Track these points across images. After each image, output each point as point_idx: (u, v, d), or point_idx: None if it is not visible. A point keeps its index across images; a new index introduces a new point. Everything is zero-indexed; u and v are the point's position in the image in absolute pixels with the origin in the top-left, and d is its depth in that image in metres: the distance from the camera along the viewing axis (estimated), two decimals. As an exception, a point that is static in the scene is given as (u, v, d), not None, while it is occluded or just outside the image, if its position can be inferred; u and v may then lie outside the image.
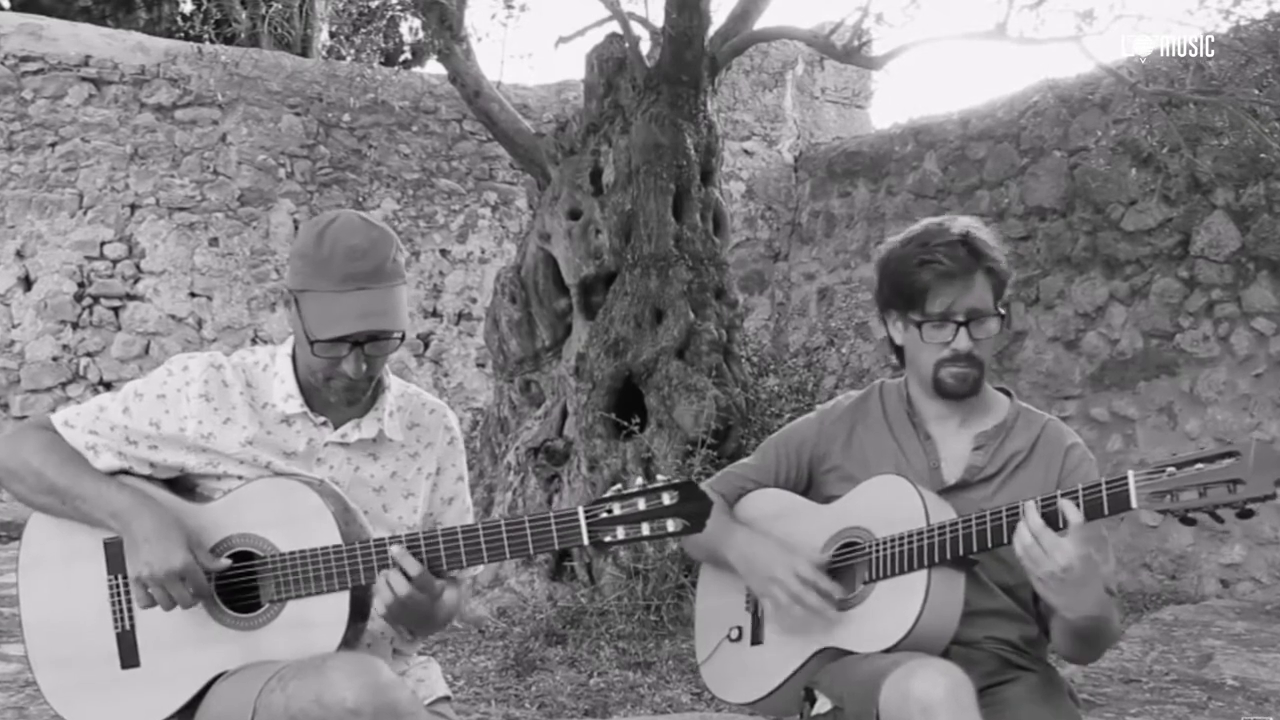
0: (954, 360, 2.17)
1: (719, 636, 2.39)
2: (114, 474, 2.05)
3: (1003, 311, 2.20)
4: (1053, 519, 1.95)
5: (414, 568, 1.93)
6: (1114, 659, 4.78)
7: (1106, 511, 1.92)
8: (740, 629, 2.36)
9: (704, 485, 2.40)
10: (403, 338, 2.04)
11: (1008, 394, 2.34)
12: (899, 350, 2.32)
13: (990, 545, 2.04)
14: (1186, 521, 1.88)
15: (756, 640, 2.33)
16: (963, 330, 2.15)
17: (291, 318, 2.06)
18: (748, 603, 2.35)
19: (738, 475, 2.45)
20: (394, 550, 1.94)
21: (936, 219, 2.24)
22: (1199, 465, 1.84)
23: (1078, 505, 1.92)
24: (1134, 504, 1.89)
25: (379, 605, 1.96)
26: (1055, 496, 1.96)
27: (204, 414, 2.05)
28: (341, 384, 2.04)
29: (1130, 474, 1.89)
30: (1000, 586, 2.18)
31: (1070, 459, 2.22)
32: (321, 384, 2.06)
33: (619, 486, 1.94)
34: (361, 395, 2.09)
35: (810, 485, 2.39)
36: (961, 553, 2.06)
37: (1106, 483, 1.92)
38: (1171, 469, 1.86)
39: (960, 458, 2.25)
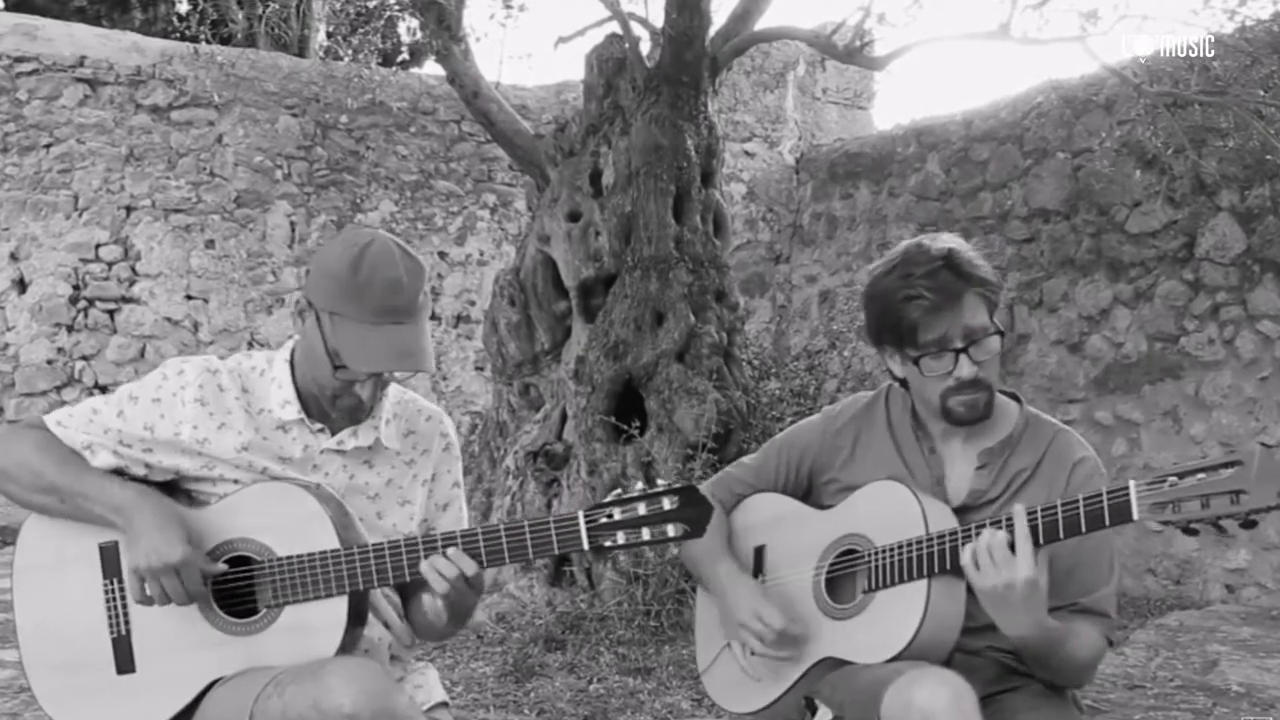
0: (959, 389, 2.11)
1: (719, 644, 2.38)
2: (111, 472, 2.04)
3: (1001, 328, 2.13)
4: (1034, 532, 1.95)
5: (470, 567, 1.95)
6: (1118, 665, 4.74)
7: (1108, 522, 1.90)
8: None
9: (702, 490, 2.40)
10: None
11: (1017, 399, 2.28)
12: (902, 380, 2.26)
13: None
14: (1189, 532, 1.85)
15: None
16: (963, 357, 2.08)
17: (309, 330, 2.04)
18: None
19: (736, 479, 2.42)
20: (451, 552, 1.95)
21: (916, 240, 2.17)
22: (1201, 475, 1.82)
23: (1079, 517, 1.91)
24: (1135, 515, 1.86)
25: (439, 586, 1.95)
26: (1055, 504, 1.94)
27: (199, 419, 2.04)
28: (349, 404, 2.05)
29: (1131, 484, 1.87)
30: None
31: (1076, 475, 2.17)
32: (327, 400, 2.06)
33: (619, 491, 1.95)
34: (361, 410, 2.10)
35: (810, 492, 2.37)
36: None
37: (1108, 493, 1.89)
38: (1173, 479, 1.83)
39: (964, 476, 2.21)
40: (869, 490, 2.20)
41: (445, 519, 2.23)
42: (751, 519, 2.37)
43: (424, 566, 1.95)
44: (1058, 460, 2.18)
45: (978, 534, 2.01)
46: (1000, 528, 1.98)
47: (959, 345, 2.08)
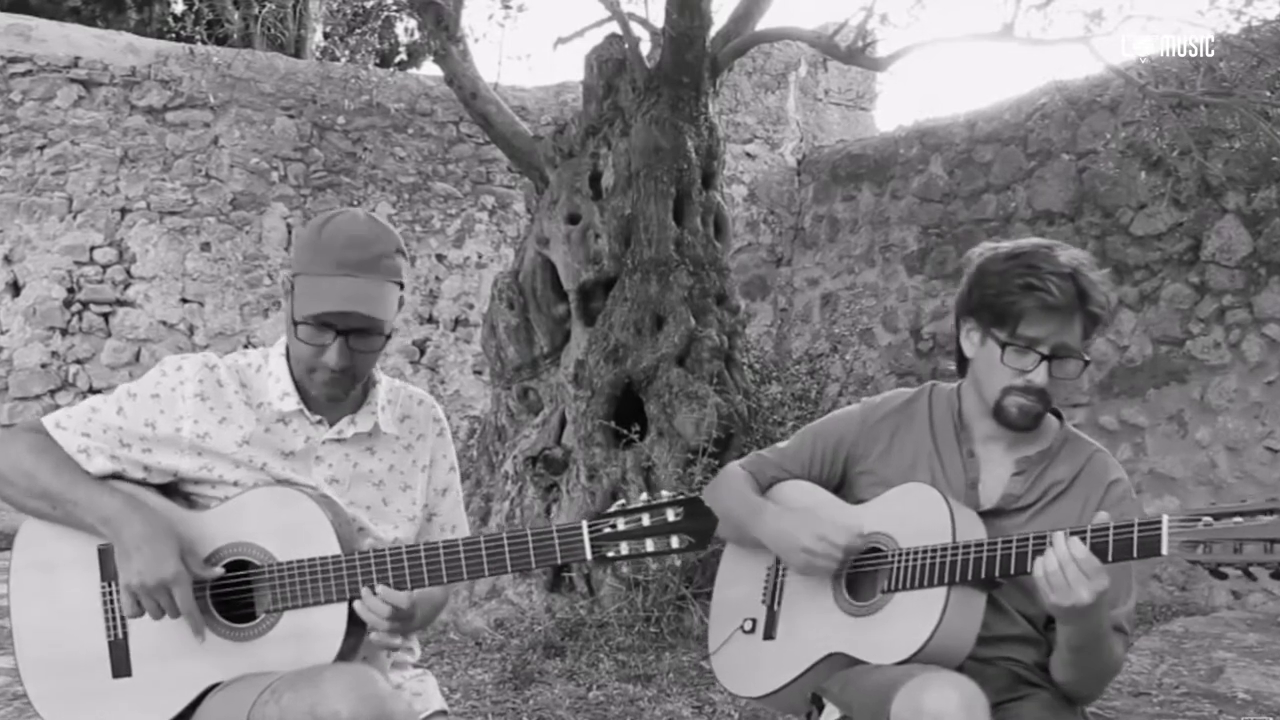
0: (1025, 391, 2.14)
1: (732, 626, 2.40)
2: (108, 477, 2.02)
3: (1088, 358, 2.16)
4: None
5: (403, 602, 1.94)
6: (1123, 671, 4.71)
7: (1135, 554, 1.90)
8: (754, 621, 2.37)
9: (735, 464, 2.46)
10: (389, 336, 2.04)
11: (1059, 416, 2.30)
12: (963, 361, 2.27)
13: (1014, 572, 2.02)
14: (1218, 575, 1.85)
15: (769, 635, 2.33)
16: (1044, 364, 2.11)
17: (285, 306, 2.07)
18: (764, 596, 2.36)
19: (772, 462, 2.43)
20: (381, 590, 1.93)
21: (1046, 242, 2.19)
22: (1237, 519, 1.81)
23: (1107, 546, 1.91)
24: (1165, 551, 1.86)
25: (370, 628, 1.96)
26: (1085, 530, 1.94)
27: (200, 413, 2.04)
28: (324, 376, 2.03)
29: (1164, 519, 1.86)
30: (1021, 613, 2.17)
31: (1111, 495, 2.19)
32: (305, 375, 2.05)
33: (623, 502, 1.96)
34: (345, 393, 2.08)
35: (843, 483, 2.38)
36: (984, 575, 2.04)
37: (1139, 525, 1.89)
38: (1208, 519, 1.83)
39: (999, 481, 2.22)
40: (901, 491, 2.21)
41: (445, 504, 2.25)
42: (781, 503, 2.36)
43: (358, 606, 1.95)
44: (1094, 477, 2.21)
45: (1004, 548, 2.02)
46: (1040, 545, 1.97)
47: (1046, 352, 2.11)
